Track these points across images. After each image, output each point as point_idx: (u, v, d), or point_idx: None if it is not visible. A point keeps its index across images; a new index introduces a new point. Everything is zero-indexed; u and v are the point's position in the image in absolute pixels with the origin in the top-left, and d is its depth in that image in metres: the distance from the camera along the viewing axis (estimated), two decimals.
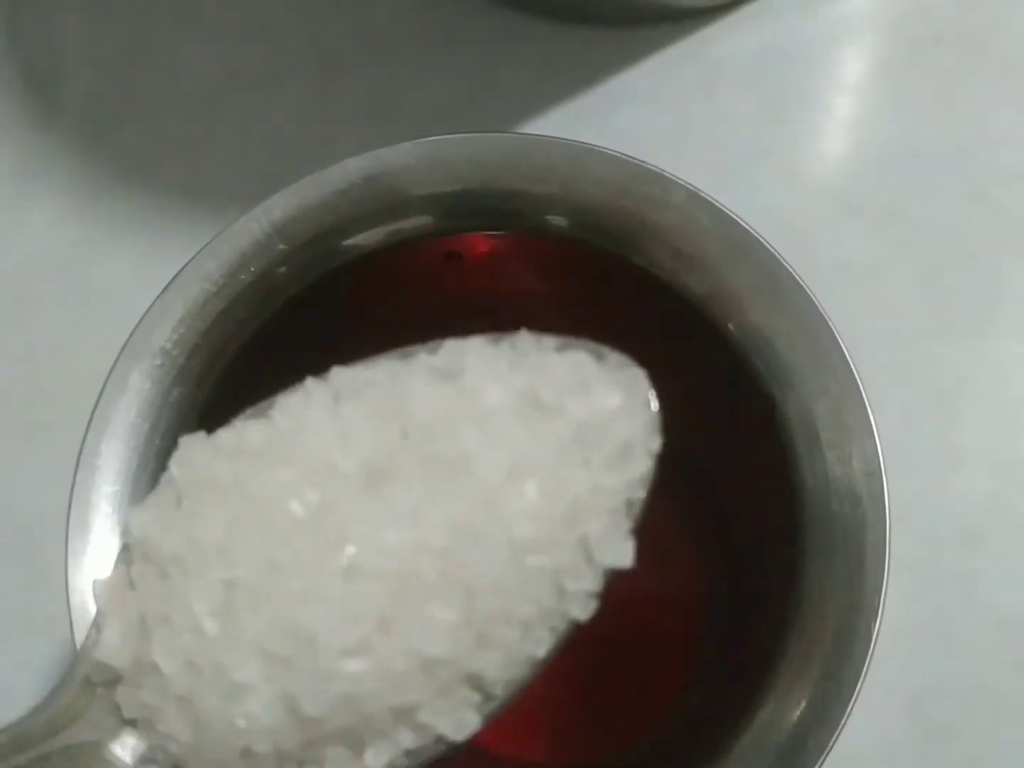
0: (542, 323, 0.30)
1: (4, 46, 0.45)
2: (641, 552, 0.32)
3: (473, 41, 0.43)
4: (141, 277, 0.42)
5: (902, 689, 0.37)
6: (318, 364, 0.28)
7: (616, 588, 0.33)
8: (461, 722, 0.21)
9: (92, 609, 0.24)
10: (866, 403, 0.23)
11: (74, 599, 0.24)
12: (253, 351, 0.26)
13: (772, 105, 0.42)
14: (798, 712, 0.23)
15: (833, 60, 0.43)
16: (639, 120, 0.43)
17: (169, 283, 0.26)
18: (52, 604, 0.38)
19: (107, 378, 0.26)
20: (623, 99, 0.43)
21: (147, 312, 0.26)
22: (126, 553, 0.23)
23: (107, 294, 0.42)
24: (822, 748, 0.22)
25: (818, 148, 0.42)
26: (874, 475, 0.23)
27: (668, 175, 0.25)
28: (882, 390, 0.39)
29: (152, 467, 0.26)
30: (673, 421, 0.30)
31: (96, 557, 0.25)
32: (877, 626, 0.22)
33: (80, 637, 0.24)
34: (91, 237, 0.43)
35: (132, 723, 0.22)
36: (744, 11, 0.43)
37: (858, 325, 0.40)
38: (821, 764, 0.22)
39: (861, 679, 0.22)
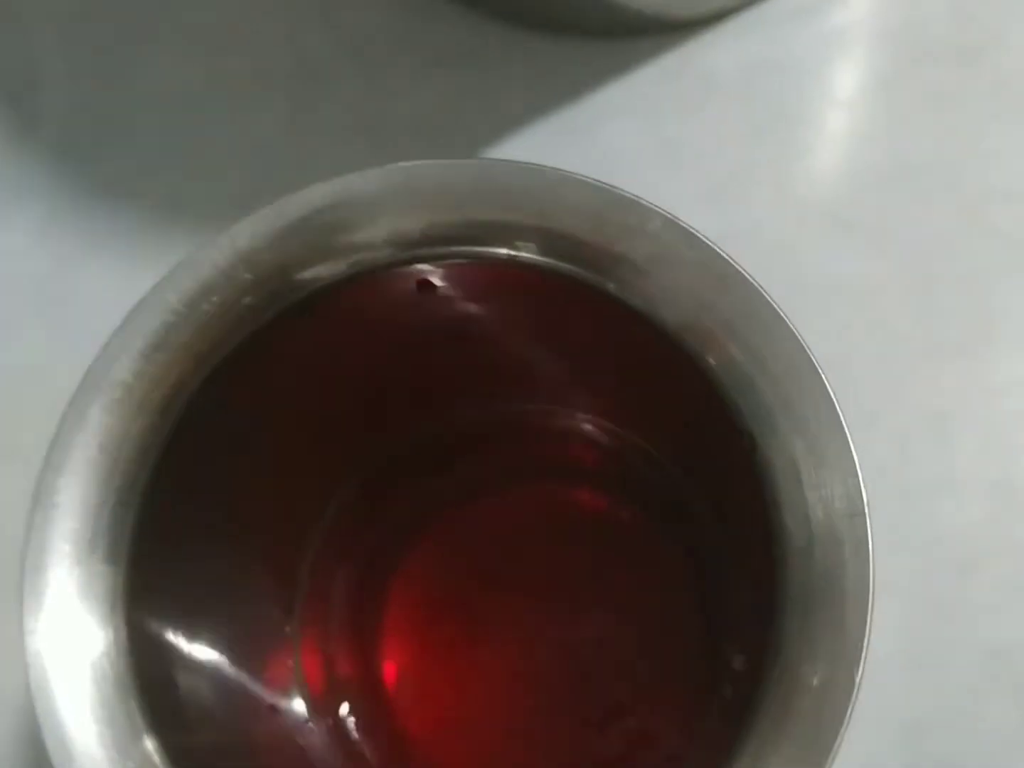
0: (515, 352, 0.29)
1: None
2: (612, 595, 0.31)
3: (459, 53, 0.43)
4: (121, 296, 0.41)
5: (894, 720, 0.36)
6: (286, 395, 0.27)
7: (587, 635, 0.32)
8: None
9: (48, 652, 0.24)
10: (849, 442, 0.23)
11: (29, 642, 0.24)
12: (218, 382, 0.26)
13: (763, 120, 0.42)
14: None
15: (825, 74, 0.42)
16: (626, 134, 0.42)
17: (128, 314, 0.25)
18: (9, 632, 0.38)
19: (64, 412, 0.25)
20: (610, 113, 0.42)
21: (106, 344, 0.25)
22: None
23: (86, 313, 0.42)
24: None
25: (810, 164, 0.41)
26: (857, 516, 0.22)
27: (645, 203, 0.24)
28: (874, 413, 0.39)
29: (112, 502, 0.25)
30: (649, 457, 0.30)
31: (53, 597, 0.24)
32: (859, 676, 0.21)
33: (36, 686, 0.23)
34: (69, 255, 0.42)
35: None
36: (735, 23, 0.42)
37: (849, 346, 0.39)
38: None
39: (844, 727, 0.21)
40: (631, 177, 0.42)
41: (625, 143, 0.42)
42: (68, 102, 0.43)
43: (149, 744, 0.24)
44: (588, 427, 0.32)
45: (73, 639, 0.24)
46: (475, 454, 0.33)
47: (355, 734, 0.31)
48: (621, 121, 0.42)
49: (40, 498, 0.24)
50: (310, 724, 0.31)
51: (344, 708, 0.32)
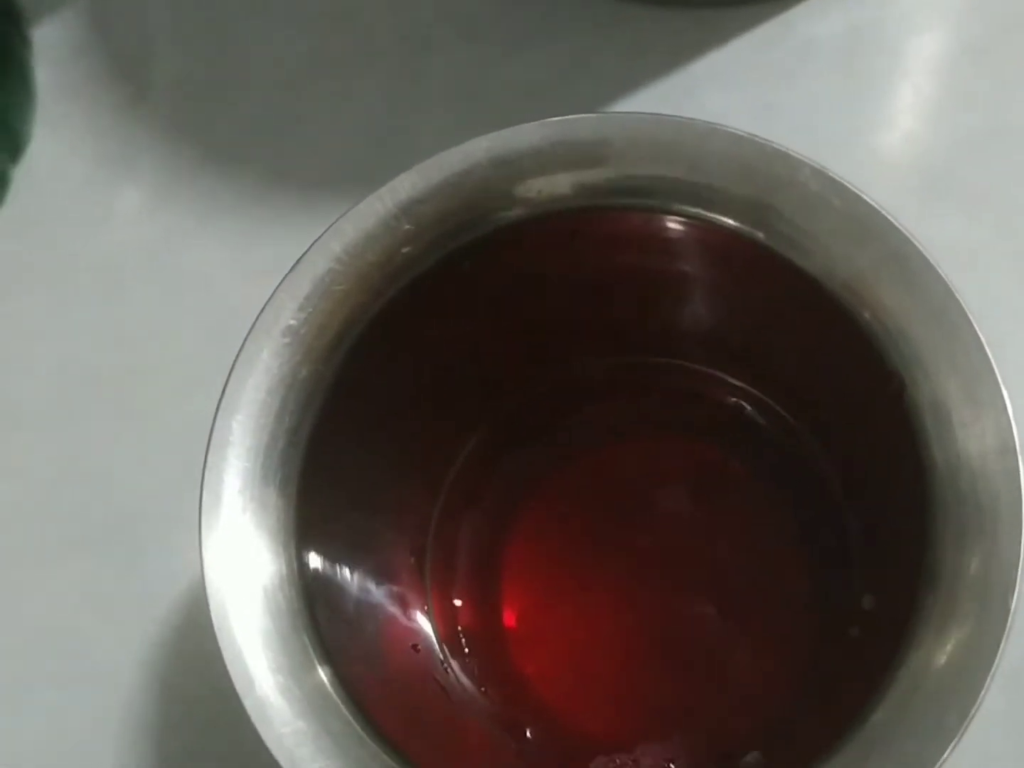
0: (660, 302, 0.30)
1: (90, 31, 0.45)
2: (759, 533, 0.32)
3: (560, 23, 0.43)
4: (230, 262, 0.43)
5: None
6: (441, 343, 0.29)
7: (737, 568, 0.33)
8: None
9: (225, 582, 0.25)
10: (999, 379, 0.23)
11: (209, 574, 0.25)
12: (378, 330, 0.27)
13: (859, 87, 0.42)
14: (933, 685, 0.23)
15: (920, 42, 0.43)
16: (725, 103, 0.43)
17: (295, 263, 0.26)
18: (154, 584, 0.40)
19: (236, 357, 0.26)
20: (709, 81, 0.43)
21: (275, 290, 0.26)
22: None
23: (197, 278, 0.43)
24: (962, 719, 0.22)
25: (908, 130, 0.42)
26: (1008, 452, 0.23)
27: (794, 153, 0.25)
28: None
29: (282, 445, 0.26)
30: (796, 400, 0.30)
31: (228, 533, 0.25)
32: (1014, 601, 0.22)
33: (216, 615, 0.24)
34: (179, 224, 0.43)
35: None
36: None
37: None
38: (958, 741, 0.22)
39: (999, 655, 0.22)
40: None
41: (724, 111, 0.42)
42: (179, 73, 0.45)
43: (322, 674, 0.25)
44: (715, 383, 0.32)
45: (248, 571, 0.25)
46: (598, 407, 0.34)
47: (478, 673, 0.32)
48: (720, 89, 0.43)
49: (215, 439, 0.25)
50: (445, 665, 0.32)
51: (468, 650, 0.33)
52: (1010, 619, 0.22)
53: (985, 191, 0.41)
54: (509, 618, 0.35)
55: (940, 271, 0.24)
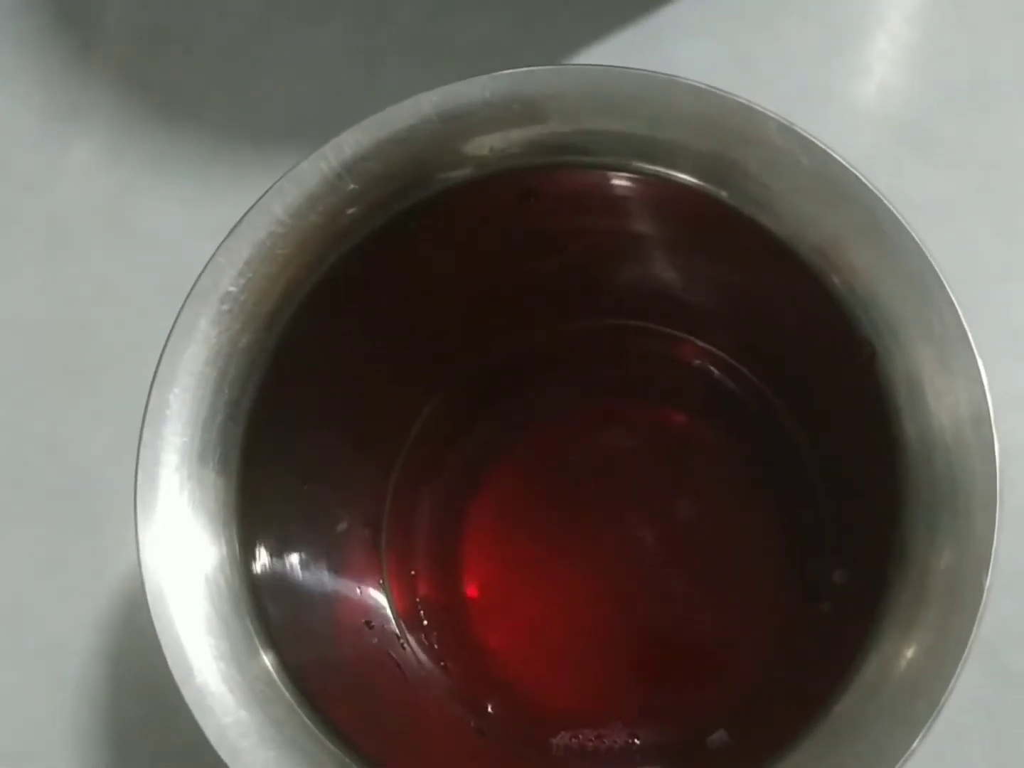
0: (620, 265, 0.29)
1: None
2: (728, 504, 0.31)
3: None
4: (186, 216, 0.41)
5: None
6: (387, 307, 0.27)
7: (705, 540, 0.32)
8: None
9: (162, 565, 0.24)
10: (974, 350, 0.22)
11: (145, 558, 0.24)
12: (323, 295, 0.25)
13: (837, 37, 0.41)
14: (903, 672, 0.22)
15: None
16: (696, 53, 0.41)
17: (235, 226, 0.25)
18: (108, 547, 0.39)
19: (173, 325, 0.25)
20: (679, 30, 0.41)
21: (213, 256, 0.25)
22: None
23: (150, 236, 0.42)
24: (933, 707, 0.21)
25: (886, 82, 0.41)
26: (982, 422, 0.22)
27: (760, 108, 0.24)
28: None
29: (221, 419, 0.25)
30: (764, 364, 0.29)
31: (165, 514, 0.24)
32: (988, 579, 0.21)
33: (153, 602, 0.23)
34: (131, 178, 0.42)
35: None
36: None
37: None
38: (928, 730, 0.21)
39: (972, 634, 0.21)
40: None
41: (695, 61, 0.41)
42: (130, 21, 0.43)
43: (267, 660, 0.24)
44: (680, 346, 0.31)
45: (187, 553, 0.24)
46: (559, 373, 0.33)
47: (438, 647, 0.31)
48: (691, 38, 0.41)
49: (150, 414, 0.24)
50: (401, 641, 0.31)
51: (427, 623, 0.32)
52: (983, 597, 0.21)
53: (963, 144, 0.39)
54: (470, 588, 0.34)
55: (914, 234, 0.23)
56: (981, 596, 0.21)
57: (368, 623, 0.30)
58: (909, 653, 0.22)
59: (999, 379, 0.37)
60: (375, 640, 0.29)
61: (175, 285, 0.37)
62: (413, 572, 0.32)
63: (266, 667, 0.24)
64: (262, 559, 0.25)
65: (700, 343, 0.31)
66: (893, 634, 0.22)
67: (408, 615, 0.31)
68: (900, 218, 0.23)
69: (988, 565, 0.21)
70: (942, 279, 0.23)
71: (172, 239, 0.41)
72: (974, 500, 0.22)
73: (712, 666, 0.30)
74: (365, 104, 0.41)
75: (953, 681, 0.21)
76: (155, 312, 0.40)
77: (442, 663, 0.31)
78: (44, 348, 0.41)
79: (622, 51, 0.41)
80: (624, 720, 0.30)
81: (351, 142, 0.24)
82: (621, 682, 0.32)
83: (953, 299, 0.23)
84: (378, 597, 0.31)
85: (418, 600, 0.32)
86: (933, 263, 0.23)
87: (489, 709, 0.30)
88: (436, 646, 0.31)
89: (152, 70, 0.43)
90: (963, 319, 0.23)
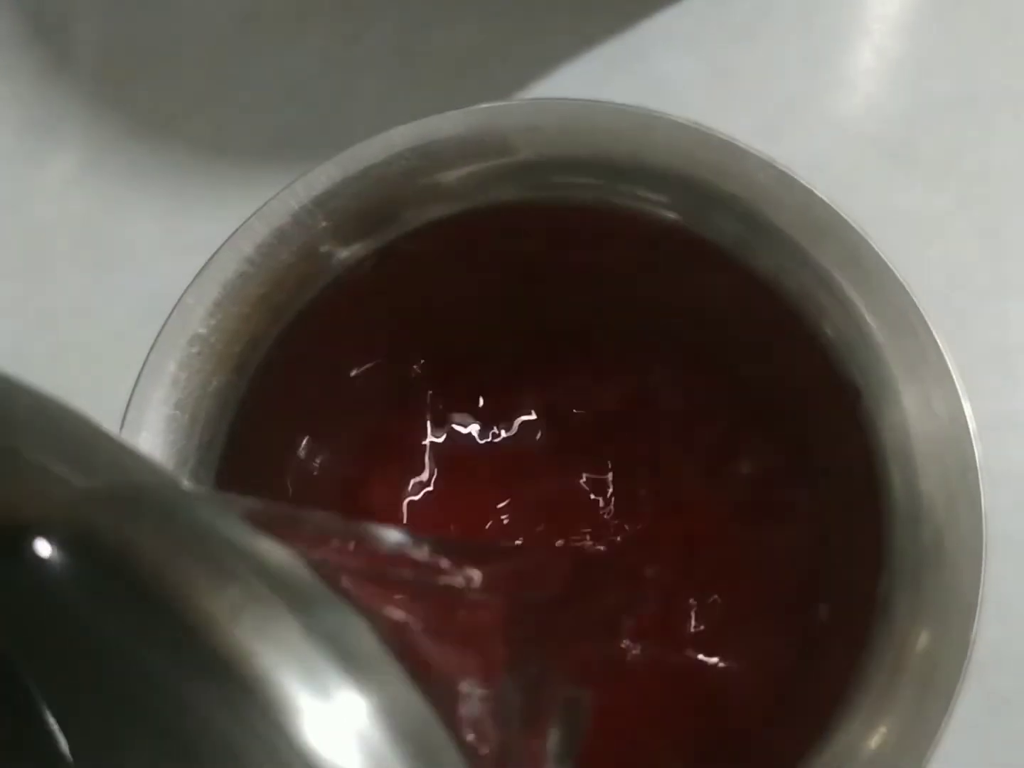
0: (596, 299, 0.28)
1: None
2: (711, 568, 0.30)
3: None
4: (164, 233, 0.41)
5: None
6: (365, 347, 0.27)
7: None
8: None
9: None
10: (961, 394, 0.22)
11: None
12: (296, 336, 0.25)
13: (820, 49, 0.40)
14: (882, 734, 0.21)
15: (885, 0, 0.41)
16: (679, 66, 0.41)
17: (204, 266, 0.24)
18: None
19: (141, 369, 0.24)
20: (662, 44, 0.41)
21: (182, 297, 0.24)
22: None
23: (130, 251, 0.41)
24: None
25: (869, 94, 0.40)
26: (970, 472, 0.21)
27: (740, 144, 0.23)
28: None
29: (192, 463, 0.24)
30: (742, 406, 0.29)
31: None
32: (973, 635, 0.21)
33: None
34: (108, 195, 0.41)
35: None
36: None
37: (914, 281, 0.38)
38: None
39: (955, 696, 0.21)
40: (683, 108, 0.41)
41: (677, 74, 0.41)
42: (103, 36, 0.42)
43: None
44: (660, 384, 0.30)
45: None
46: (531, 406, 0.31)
47: None
48: (673, 51, 0.41)
49: None
50: None
51: None
52: (967, 660, 0.21)
53: (948, 158, 0.39)
54: None
55: (897, 273, 0.22)
56: (958, 678, 0.21)
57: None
58: (880, 731, 0.21)
59: (988, 397, 0.37)
60: None
61: (153, 305, 0.37)
62: None
63: None
64: None
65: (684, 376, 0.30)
66: (863, 712, 0.21)
67: None
68: (882, 256, 0.23)
69: (971, 629, 0.21)
70: (925, 318, 0.22)
71: (149, 257, 0.41)
72: (960, 558, 0.21)
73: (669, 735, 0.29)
74: (343, 118, 0.41)
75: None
76: (132, 333, 0.39)
77: None
78: (19, 368, 0.40)
79: (605, 64, 0.40)
80: None
81: (322, 178, 0.24)
82: None
83: (938, 339, 0.22)
84: None
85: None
86: (916, 302, 0.22)
87: None
88: None
89: (128, 86, 0.42)
90: (948, 359, 0.22)
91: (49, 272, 0.41)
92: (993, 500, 0.36)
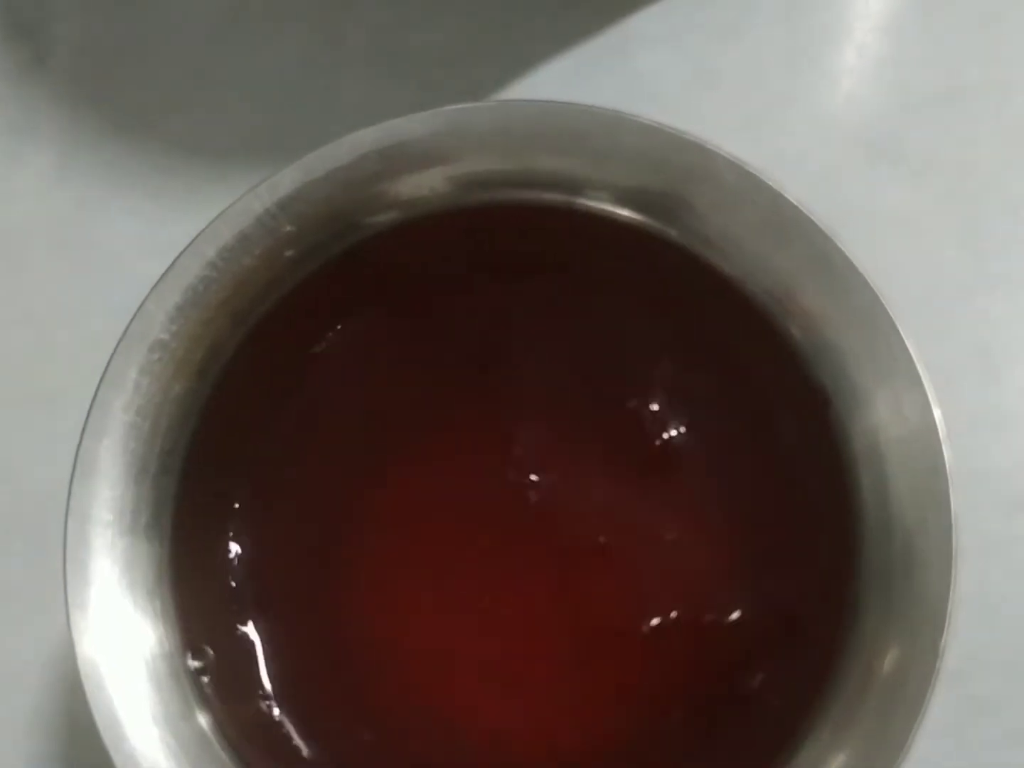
0: (571, 299, 0.28)
1: None
2: (666, 569, 0.29)
3: None
4: (142, 234, 0.41)
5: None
6: (327, 353, 0.26)
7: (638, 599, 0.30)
8: None
9: (92, 629, 0.23)
10: (930, 397, 0.21)
11: (74, 618, 0.23)
12: (259, 341, 0.24)
13: (803, 46, 0.40)
14: (853, 740, 0.21)
15: None
16: (660, 64, 0.40)
17: (165, 271, 0.24)
18: (52, 577, 0.38)
19: (102, 375, 0.24)
20: (643, 41, 0.41)
21: (143, 303, 0.24)
22: None
23: (108, 252, 0.41)
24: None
25: (852, 91, 0.40)
26: (940, 475, 0.21)
27: (710, 146, 0.23)
28: (919, 346, 0.37)
29: (154, 470, 0.24)
30: (708, 412, 0.28)
31: (97, 570, 0.23)
32: (943, 645, 0.20)
33: (82, 661, 0.22)
34: (87, 194, 0.41)
35: None
36: None
37: (895, 280, 0.38)
38: None
39: (924, 707, 0.20)
40: (665, 107, 0.41)
41: (659, 72, 0.40)
42: (80, 34, 0.42)
43: (201, 721, 0.23)
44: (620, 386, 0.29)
45: (119, 615, 0.23)
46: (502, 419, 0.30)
47: None
48: (655, 49, 0.40)
49: (80, 465, 0.23)
50: None
51: None
52: (936, 669, 0.20)
53: (930, 155, 0.39)
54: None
55: (866, 276, 0.22)
56: (927, 689, 0.20)
57: None
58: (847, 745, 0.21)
59: (968, 397, 0.37)
60: None
61: (131, 304, 0.37)
62: None
63: (201, 728, 0.23)
64: (201, 615, 0.25)
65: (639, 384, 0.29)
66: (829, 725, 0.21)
67: None
68: (852, 259, 0.22)
69: (941, 639, 0.20)
70: (894, 321, 0.22)
71: (127, 257, 0.40)
72: (929, 566, 0.21)
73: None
74: (324, 118, 0.41)
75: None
76: (110, 333, 0.39)
77: None
78: None
79: (585, 62, 0.40)
80: None
81: (287, 182, 0.24)
82: None
83: (907, 343, 0.22)
84: None
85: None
86: (886, 304, 0.22)
87: None
88: None
89: (106, 85, 0.42)
90: (917, 363, 0.22)
91: (26, 272, 0.41)
92: (973, 500, 0.36)
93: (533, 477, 0.28)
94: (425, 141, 0.24)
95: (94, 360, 0.39)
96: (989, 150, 0.38)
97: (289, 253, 0.24)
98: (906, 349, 0.22)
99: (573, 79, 0.40)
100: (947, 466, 0.21)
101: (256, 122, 0.41)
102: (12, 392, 0.40)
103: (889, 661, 0.21)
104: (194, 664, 0.24)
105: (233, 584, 0.26)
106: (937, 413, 0.21)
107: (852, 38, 0.40)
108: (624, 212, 0.24)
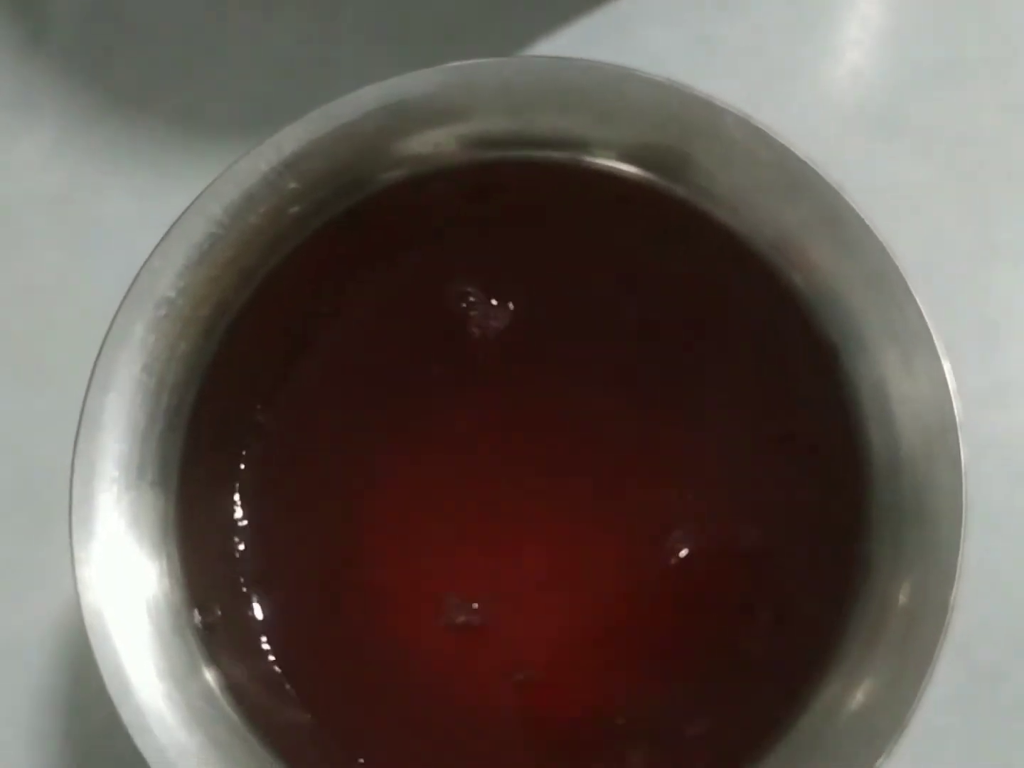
0: (575, 261, 0.27)
1: None
2: (690, 516, 0.29)
3: None
4: (141, 210, 0.40)
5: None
6: (332, 311, 0.26)
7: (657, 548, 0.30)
8: None
9: (97, 582, 0.23)
10: (940, 353, 0.21)
11: (80, 571, 0.23)
12: (266, 300, 0.24)
13: (804, 17, 0.40)
14: (865, 690, 0.21)
15: None
16: (662, 37, 0.40)
17: (171, 227, 0.24)
18: (54, 551, 0.38)
19: (108, 330, 0.24)
20: (644, 15, 0.40)
21: (148, 259, 0.24)
22: None
23: (107, 228, 0.41)
24: (895, 728, 0.20)
25: (855, 64, 0.40)
26: (949, 431, 0.21)
27: (717, 101, 0.23)
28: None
29: (161, 426, 0.24)
30: (720, 369, 0.28)
31: (103, 525, 0.23)
32: (953, 597, 0.20)
33: (88, 614, 0.22)
34: (86, 170, 0.41)
35: None
36: None
37: (898, 252, 0.38)
38: (891, 748, 0.20)
39: (937, 650, 0.20)
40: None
41: (660, 42, 0.40)
42: (78, 10, 0.42)
43: (208, 677, 0.23)
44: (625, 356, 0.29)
45: (125, 569, 0.23)
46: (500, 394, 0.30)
47: None
48: (657, 23, 0.40)
49: (86, 419, 0.23)
50: None
51: None
52: (948, 616, 0.20)
53: (933, 128, 0.39)
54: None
55: (876, 231, 0.22)
56: (940, 634, 0.20)
57: None
58: (871, 675, 0.21)
59: (973, 369, 0.37)
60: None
61: (130, 280, 0.37)
62: None
63: (208, 685, 0.23)
64: (207, 572, 0.24)
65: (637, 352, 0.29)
66: (853, 652, 0.21)
67: None
68: (861, 214, 0.22)
69: (952, 588, 0.20)
70: (905, 277, 0.22)
71: (126, 232, 0.40)
72: (940, 517, 0.21)
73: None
74: (322, 91, 0.40)
75: (918, 697, 0.20)
76: (110, 307, 0.39)
77: None
78: None
79: (587, 36, 0.40)
80: None
81: (291, 139, 0.23)
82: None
83: (916, 298, 0.22)
84: None
85: None
86: (895, 260, 0.22)
87: None
88: None
89: (103, 60, 0.42)
90: (927, 319, 0.22)
91: (25, 248, 0.41)
92: (977, 471, 0.36)
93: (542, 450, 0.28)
94: (430, 98, 0.23)
95: (93, 335, 0.39)
96: (992, 122, 0.38)
97: (294, 210, 0.24)
98: (916, 305, 0.22)
99: (572, 51, 0.40)
100: (957, 420, 0.21)
101: (256, 96, 0.41)
102: (11, 367, 0.40)
103: (900, 615, 0.20)
104: (200, 620, 0.24)
105: (239, 543, 0.26)
106: (947, 367, 0.21)
107: (854, 10, 0.40)
108: (631, 169, 0.23)
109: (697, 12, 0.40)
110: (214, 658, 0.23)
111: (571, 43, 0.40)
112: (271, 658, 0.26)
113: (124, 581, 0.23)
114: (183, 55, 0.41)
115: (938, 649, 0.20)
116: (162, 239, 0.24)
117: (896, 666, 0.20)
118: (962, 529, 0.20)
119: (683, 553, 0.26)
